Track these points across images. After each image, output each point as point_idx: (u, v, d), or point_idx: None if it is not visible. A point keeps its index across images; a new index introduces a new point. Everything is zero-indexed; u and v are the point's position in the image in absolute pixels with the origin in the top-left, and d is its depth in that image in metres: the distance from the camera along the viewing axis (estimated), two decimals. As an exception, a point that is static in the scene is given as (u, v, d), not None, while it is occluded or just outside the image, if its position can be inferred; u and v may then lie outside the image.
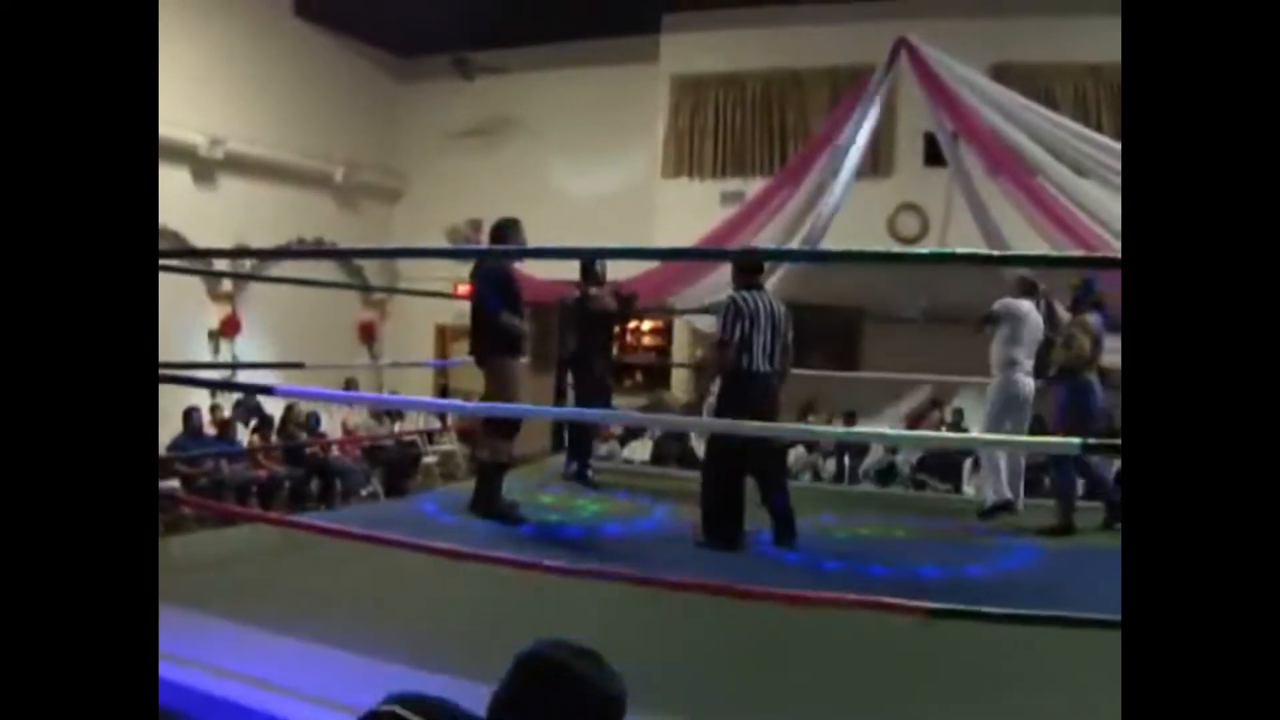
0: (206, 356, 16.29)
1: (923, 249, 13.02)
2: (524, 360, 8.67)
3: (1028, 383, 9.41)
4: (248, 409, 15.46)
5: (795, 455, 15.44)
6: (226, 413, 15.10)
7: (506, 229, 8.52)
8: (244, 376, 13.59)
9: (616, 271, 10.70)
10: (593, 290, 10.41)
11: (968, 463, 14.65)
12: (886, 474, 15.16)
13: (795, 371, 14.70)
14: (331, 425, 17.03)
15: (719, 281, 11.63)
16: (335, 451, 15.79)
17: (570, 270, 10.56)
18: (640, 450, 15.71)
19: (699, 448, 15.45)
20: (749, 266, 8.32)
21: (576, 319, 10.47)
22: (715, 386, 8.29)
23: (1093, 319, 9.01)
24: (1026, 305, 9.44)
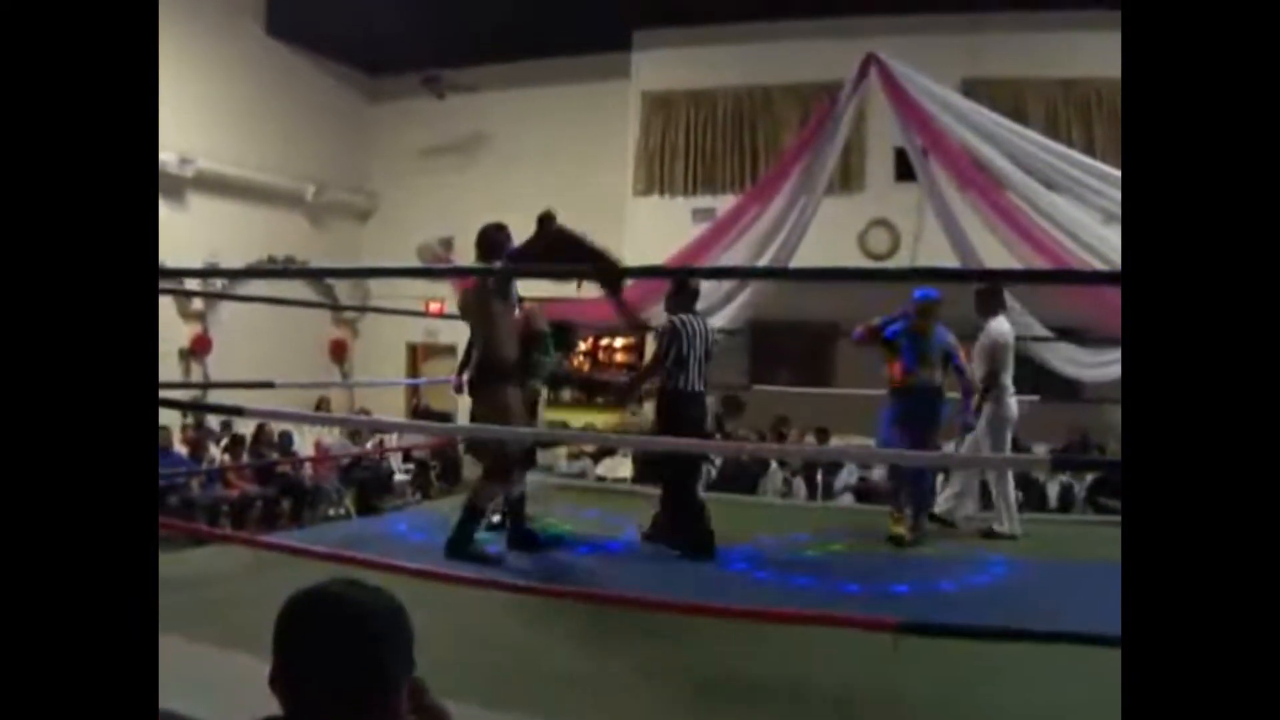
0: (177, 376, 16.22)
1: (894, 265, 13.09)
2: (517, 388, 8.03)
3: (1014, 405, 9.43)
4: (204, 429, 15.41)
5: (770, 472, 15.46)
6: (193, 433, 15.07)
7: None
8: (214, 395, 13.55)
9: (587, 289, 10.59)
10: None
11: (939, 479, 14.67)
12: (862, 492, 15.16)
13: (766, 388, 14.71)
14: (304, 444, 16.99)
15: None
16: (307, 470, 15.75)
17: (537, 290, 10.44)
18: (619, 468, 15.70)
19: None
20: (686, 290, 8.68)
21: None
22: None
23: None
24: (1003, 325, 9.40)
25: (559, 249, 7.76)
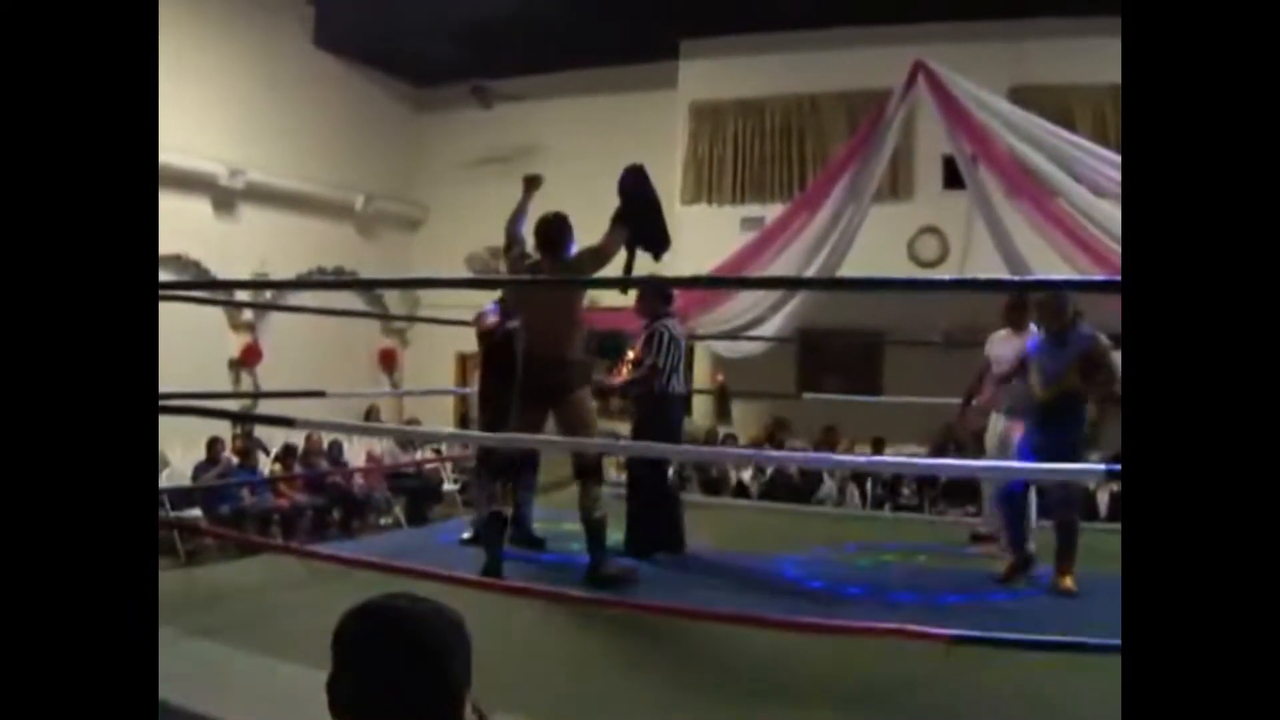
0: (227, 386, 16.30)
1: (941, 275, 13.01)
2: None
3: None
4: (254, 439, 15.51)
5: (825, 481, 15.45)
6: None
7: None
8: (264, 405, 13.62)
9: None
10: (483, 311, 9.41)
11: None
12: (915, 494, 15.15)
13: (815, 396, 14.66)
14: (353, 453, 17.06)
15: (739, 307, 11.63)
16: (358, 480, 15.82)
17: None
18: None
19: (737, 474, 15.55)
20: (664, 297, 8.86)
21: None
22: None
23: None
24: None
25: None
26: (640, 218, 7.77)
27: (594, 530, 7.42)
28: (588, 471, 7.50)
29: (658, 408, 8.61)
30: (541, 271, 7.66)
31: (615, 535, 8.62)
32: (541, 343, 7.44)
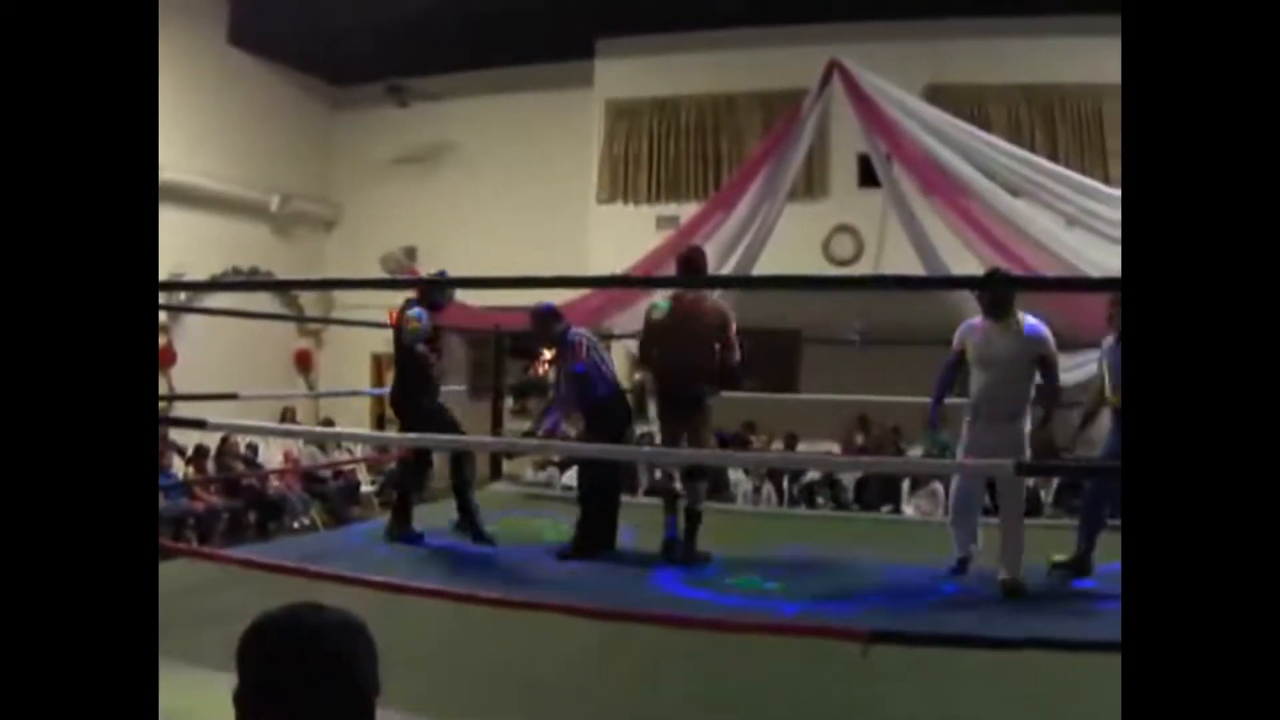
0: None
1: (857, 273, 13.10)
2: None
3: None
4: (167, 441, 15.34)
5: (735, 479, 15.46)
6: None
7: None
8: (178, 407, 13.48)
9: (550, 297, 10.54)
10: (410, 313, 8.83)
11: (905, 483, 14.67)
12: (829, 491, 15.19)
13: (733, 395, 14.76)
14: (269, 454, 16.91)
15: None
16: (274, 482, 15.69)
17: (502, 299, 10.40)
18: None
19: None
20: (556, 315, 8.89)
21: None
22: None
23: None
24: None
25: None
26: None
27: (695, 521, 8.34)
28: (696, 472, 8.53)
29: (613, 411, 8.77)
30: (683, 306, 8.33)
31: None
32: (681, 365, 8.24)
